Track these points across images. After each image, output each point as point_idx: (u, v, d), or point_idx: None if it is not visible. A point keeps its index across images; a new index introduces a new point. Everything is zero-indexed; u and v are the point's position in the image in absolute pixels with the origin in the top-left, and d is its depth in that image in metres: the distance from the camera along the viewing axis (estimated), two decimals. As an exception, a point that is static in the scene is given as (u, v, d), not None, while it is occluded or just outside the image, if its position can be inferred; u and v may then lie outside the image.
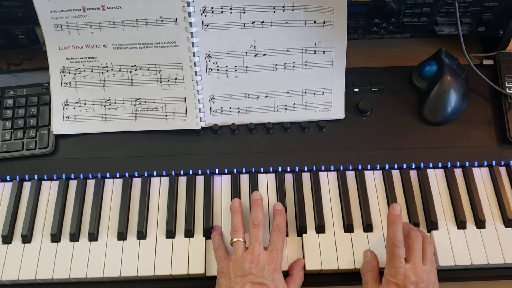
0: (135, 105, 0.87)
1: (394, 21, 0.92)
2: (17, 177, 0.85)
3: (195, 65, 0.84)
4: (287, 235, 0.80)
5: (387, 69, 0.95)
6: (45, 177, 0.85)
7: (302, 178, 0.85)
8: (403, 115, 0.90)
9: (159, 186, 0.85)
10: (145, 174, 0.85)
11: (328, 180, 0.85)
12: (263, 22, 0.82)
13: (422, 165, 0.86)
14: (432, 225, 0.81)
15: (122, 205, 0.83)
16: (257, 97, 0.88)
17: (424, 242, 0.75)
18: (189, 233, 0.80)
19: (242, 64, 0.85)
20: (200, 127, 0.88)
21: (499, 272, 0.80)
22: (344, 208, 0.82)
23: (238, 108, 0.88)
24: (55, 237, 0.80)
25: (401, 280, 0.70)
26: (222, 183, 0.85)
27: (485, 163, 0.86)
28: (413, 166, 0.86)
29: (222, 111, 0.88)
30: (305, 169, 0.86)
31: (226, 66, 0.85)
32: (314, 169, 0.85)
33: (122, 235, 0.80)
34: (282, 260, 0.76)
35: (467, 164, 0.86)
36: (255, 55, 0.84)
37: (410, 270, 0.71)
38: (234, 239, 0.76)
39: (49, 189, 0.85)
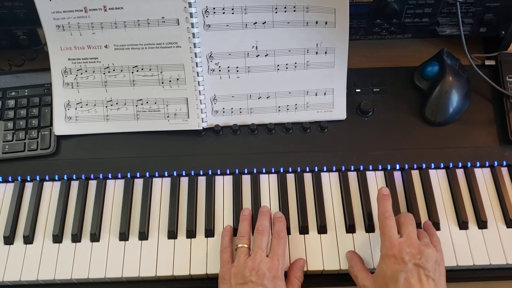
0: (136, 105, 0.87)
1: (396, 21, 0.92)
2: (19, 178, 0.85)
3: (197, 66, 0.84)
4: (289, 233, 0.80)
5: (389, 69, 0.95)
6: (47, 178, 0.85)
7: (304, 179, 0.85)
8: (405, 116, 0.90)
9: (161, 186, 0.85)
10: (147, 175, 0.85)
11: (330, 181, 0.85)
12: (264, 22, 0.82)
13: (424, 166, 0.86)
14: (434, 225, 0.81)
15: (124, 205, 0.83)
16: (258, 98, 0.88)
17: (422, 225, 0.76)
18: (191, 233, 0.80)
19: (244, 65, 0.85)
20: (202, 128, 0.88)
21: (501, 273, 0.80)
22: (346, 209, 0.82)
23: (240, 108, 0.88)
24: (57, 238, 0.80)
25: (397, 251, 0.70)
26: (224, 184, 0.85)
27: (487, 164, 0.86)
28: (415, 166, 0.86)
29: (224, 111, 0.88)
30: (307, 170, 0.86)
31: (228, 67, 0.85)
32: (316, 169, 0.85)
33: (124, 236, 0.80)
34: (284, 266, 0.75)
35: (469, 164, 0.86)
36: (256, 56, 0.84)
37: (404, 242, 0.71)
38: (239, 245, 0.76)
39: (51, 190, 0.85)
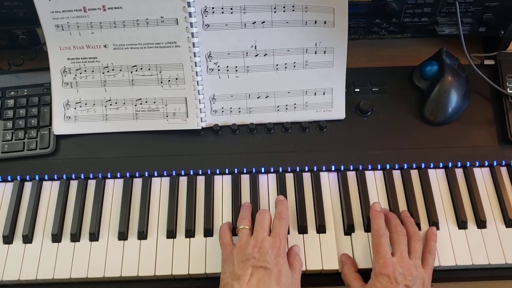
0: (135, 105, 0.87)
1: (395, 21, 0.92)
2: (18, 177, 0.85)
3: (195, 65, 0.84)
4: (288, 233, 0.80)
5: (388, 69, 0.95)
6: (46, 177, 0.85)
7: (303, 178, 0.85)
8: (404, 115, 0.90)
9: (160, 186, 0.85)
10: (146, 174, 0.85)
11: (329, 180, 0.85)
12: (263, 22, 0.82)
13: (423, 165, 0.86)
14: (433, 225, 0.81)
15: (123, 205, 0.83)
16: (257, 97, 0.88)
17: (412, 238, 0.77)
18: (189, 233, 0.80)
19: (242, 64, 0.85)
20: (201, 127, 0.88)
21: (500, 272, 0.80)
22: (345, 208, 0.82)
23: (239, 108, 0.88)
24: (56, 237, 0.80)
25: (391, 271, 0.71)
26: (222, 183, 0.85)
27: (486, 163, 0.86)
28: (414, 166, 0.86)
29: (222, 111, 0.88)
30: (306, 169, 0.86)
31: (227, 66, 0.85)
32: (315, 169, 0.85)
33: (123, 235, 0.80)
34: (286, 246, 0.76)
35: (468, 164, 0.86)
36: (255, 55, 0.84)
37: (397, 262, 0.73)
38: (240, 227, 0.76)
39: (50, 189, 0.85)
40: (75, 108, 0.87)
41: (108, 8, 0.80)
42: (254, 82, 0.86)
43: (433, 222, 0.81)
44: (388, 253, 0.74)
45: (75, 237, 0.80)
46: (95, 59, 0.85)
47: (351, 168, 0.86)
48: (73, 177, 0.85)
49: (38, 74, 0.92)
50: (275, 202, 0.81)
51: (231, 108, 0.88)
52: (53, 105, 0.87)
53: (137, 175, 0.85)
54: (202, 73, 0.85)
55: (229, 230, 0.78)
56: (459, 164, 0.86)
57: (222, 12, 0.81)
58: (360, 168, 0.85)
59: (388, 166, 0.86)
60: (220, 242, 0.77)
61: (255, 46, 0.84)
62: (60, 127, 0.88)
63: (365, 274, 0.76)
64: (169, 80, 0.85)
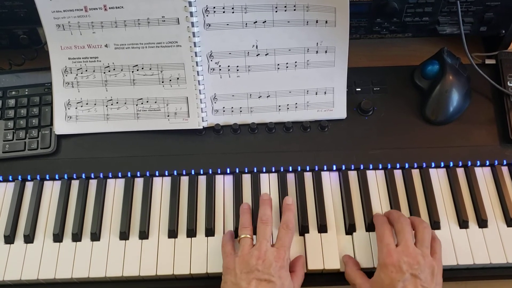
0: (137, 105, 0.87)
1: (396, 20, 0.92)
2: (19, 177, 0.85)
3: (197, 65, 0.84)
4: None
5: (389, 68, 0.95)
6: (47, 177, 0.85)
7: (304, 178, 0.85)
8: (405, 115, 0.90)
9: (161, 186, 0.85)
10: (147, 174, 0.85)
11: (330, 180, 0.85)
12: (265, 21, 0.82)
13: (424, 165, 0.86)
14: (434, 224, 0.81)
15: (124, 205, 0.83)
16: (259, 97, 0.88)
17: (419, 227, 0.75)
18: (191, 233, 0.80)
19: (244, 64, 0.85)
20: (202, 127, 0.88)
21: (501, 272, 0.80)
22: (346, 208, 0.82)
23: (240, 108, 0.88)
24: (57, 237, 0.80)
25: (395, 260, 0.70)
26: (224, 183, 0.85)
27: (487, 163, 0.86)
28: (415, 165, 0.86)
29: (224, 111, 0.88)
30: (307, 169, 0.86)
31: (228, 66, 0.85)
32: (316, 168, 0.85)
33: (124, 235, 0.80)
34: (289, 257, 0.75)
35: (469, 163, 0.86)
36: (257, 55, 0.84)
37: (401, 251, 0.71)
38: (242, 236, 0.76)
39: (51, 189, 0.85)
40: (76, 108, 0.87)
41: (109, 8, 0.80)
42: (255, 81, 0.86)
43: (435, 221, 0.81)
44: (392, 243, 0.73)
45: (77, 237, 0.80)
46: (96, 58, 0.85)
47: (353, 168, 0.86)
48: (74, 176, 0.85)
49: (39, 74, 0.92)
50: (283, 205, 0.80)
51: (232, 107, 0.88)
52: (54, 104, 0.87)
53: (138, 175, 0.85)
54: (203, 72, 0.85)
55: (232, 240, 0.78)
56: (460, 164, 0.86)
57: (223, 12, 0.81)
58: (362, 167, 0.85)
59: (389, 166, 0.86)
60: (222, 250, 0.77)
61: (256, 46, 0.84)
62: (61, 126, 0.88)
63: (367, 274, 0.75)
64: (170, 80, 0.85)
